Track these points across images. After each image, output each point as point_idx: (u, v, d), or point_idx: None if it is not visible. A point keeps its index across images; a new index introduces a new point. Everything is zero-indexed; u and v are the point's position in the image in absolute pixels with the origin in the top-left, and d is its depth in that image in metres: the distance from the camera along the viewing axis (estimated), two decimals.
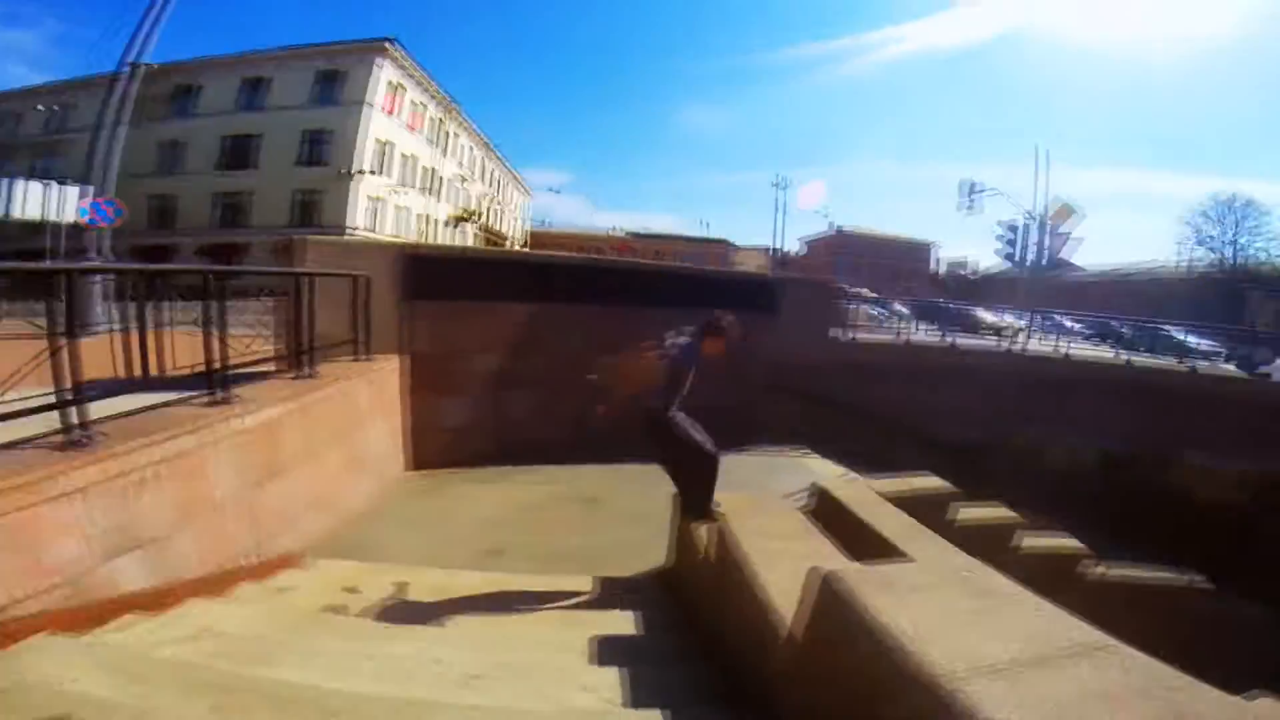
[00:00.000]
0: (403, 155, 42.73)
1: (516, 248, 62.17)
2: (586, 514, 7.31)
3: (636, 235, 73.83)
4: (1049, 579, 8.02)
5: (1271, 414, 11.86)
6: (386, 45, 39.47)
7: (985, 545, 7.46)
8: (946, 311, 20.22)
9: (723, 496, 4.85)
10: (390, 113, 40.54)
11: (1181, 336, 17.11)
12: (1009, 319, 20.70)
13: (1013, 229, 21.25)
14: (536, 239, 67.19)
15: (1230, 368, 14.40)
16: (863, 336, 11.60)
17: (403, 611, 4.08)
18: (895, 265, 65.73)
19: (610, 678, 2.83)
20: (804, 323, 10.34)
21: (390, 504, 7.34)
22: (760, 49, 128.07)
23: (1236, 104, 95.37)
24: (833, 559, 3.39)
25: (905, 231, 70.30)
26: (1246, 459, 11.70)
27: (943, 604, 2.11)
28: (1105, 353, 15.33)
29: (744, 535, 3.59)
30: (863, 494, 6.68)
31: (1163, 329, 17.87)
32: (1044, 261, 21.48)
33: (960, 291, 53.93)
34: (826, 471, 8.25)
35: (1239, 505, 11.85)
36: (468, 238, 51.65)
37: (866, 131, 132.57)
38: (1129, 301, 49.20)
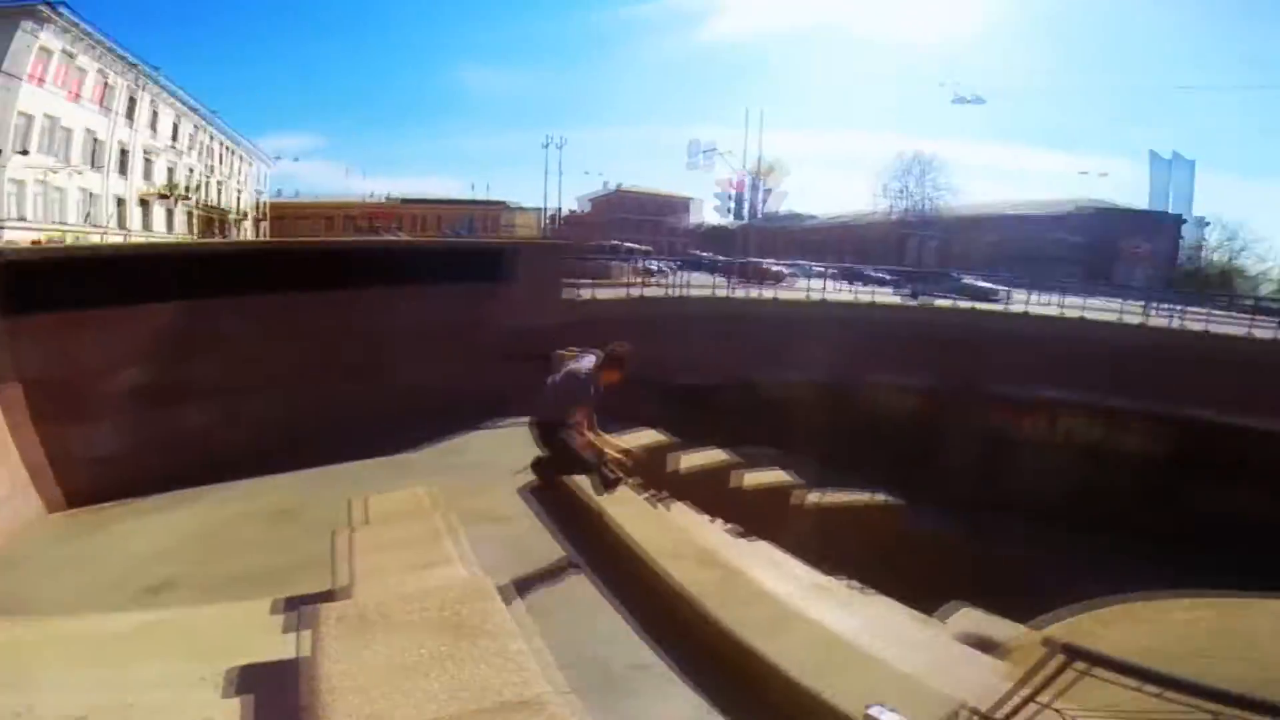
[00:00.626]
0: (73, 130, 35.22)
1: (244, 223, 54.01)
2: (274, 530, 6.29)
3: (403, 200, 68.23)
4: (769, 511, 8.81)
5: (937, 335, 14.66)
6: (41, 8, 31.99)
7: (707, 488, 7.99)
8: (703, 262, 21.91)
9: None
10: (45, 83, 32.79)
11: (872, 273, 20.68)
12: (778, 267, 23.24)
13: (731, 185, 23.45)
14: (277, 210, 58.94)
15: (897, 299, 17.68)
16: (600, 294, 11.73)
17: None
18: (668, 222, 69.76)
19: (238, 709, 2.59)
20: (538, 286, 10.08)
21: (25, 551, 6.03)
22: (544, 13, 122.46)
23: (920, 72, 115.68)
24: None
25: (680, 190, 74.42)
26: (921, 377, 14.39)
27: None
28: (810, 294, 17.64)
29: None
30: None
31: (859, 269, 21.51)
32: (756, 215, 24.17)
33: (718, 243, 58.96)
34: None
35: (918, 417, 14.70)
36: (174, 218, 43.28)
37: (640, 94, 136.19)
38: (849, 246, 58.58)
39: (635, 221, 65.64)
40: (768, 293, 16.04)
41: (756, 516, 7.83)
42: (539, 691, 1.94)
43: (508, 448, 7.80)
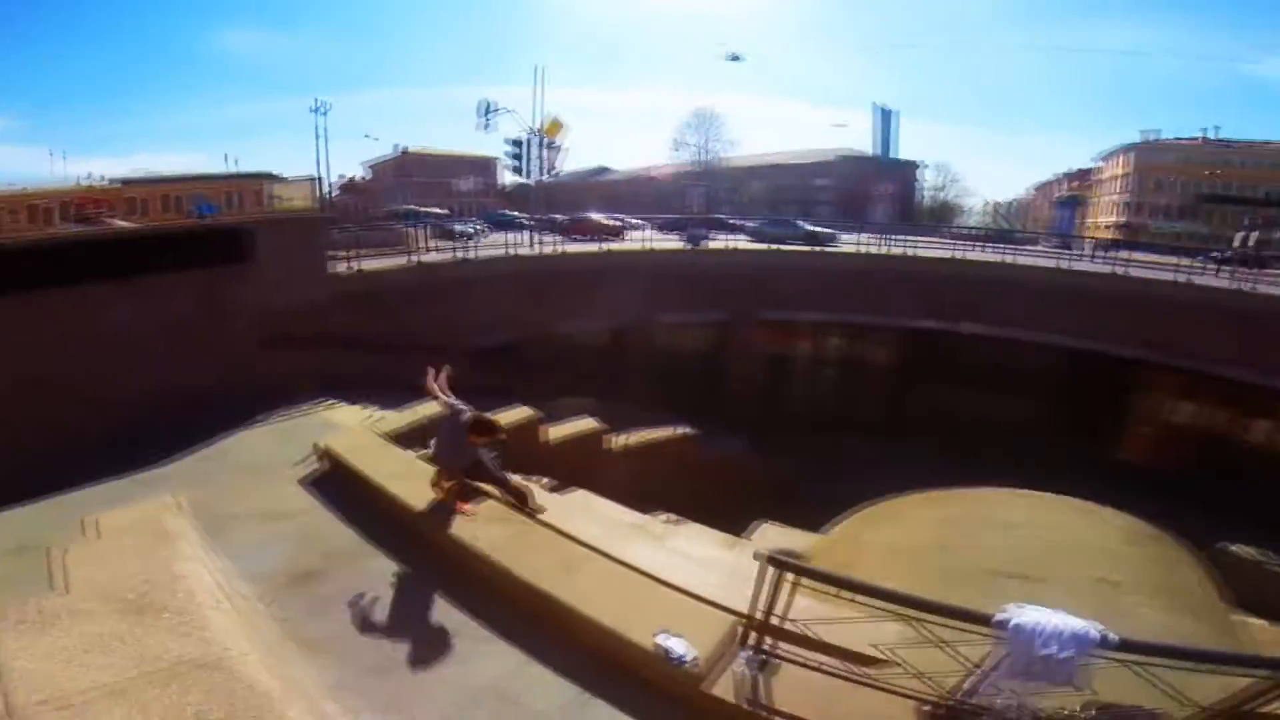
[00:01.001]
0: None
1: None
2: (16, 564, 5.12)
3: (125, 182, 55.85)
4: (583, 459, 9.10)
5: (708, 274, 16.06)
6: None
7: (518, 443, 8.05)
8: (513, 222, 21.50)
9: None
10: None
11: (605, 218, 22.36)
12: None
13: (517, 143, 23.09)
14: None
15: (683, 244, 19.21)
16: (370, 264, 10.90)
17: None
18: (468, 182, 66.11)
19: None
20: (292, 264, 9.03)
21: None
22: None
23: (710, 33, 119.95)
24: None
25: (482, 150, 70.64)
26: (707, 313, 15.71)
27: None
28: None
29: None
30: (365, 442, 6.28)
31: (588, 216, 23.19)
32: (544, 172, 24.13)
33: (524, 202, 57.80)
34: (349, 420, 7.51)
35: (708, 350, 16.12)
36: None
37: (429, 54, 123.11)
38: (651, 198, 61.25)
39: (429, 185, 61.39)
40: (572, 248, 16.24)
41: (572, 466, 8.11)
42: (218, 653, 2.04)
43: (284, 442, 7.07)
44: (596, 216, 24.90)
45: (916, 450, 13.42)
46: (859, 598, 3.01)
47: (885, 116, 58.17)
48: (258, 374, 7.78)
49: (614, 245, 17.12)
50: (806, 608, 3.38)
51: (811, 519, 8.00)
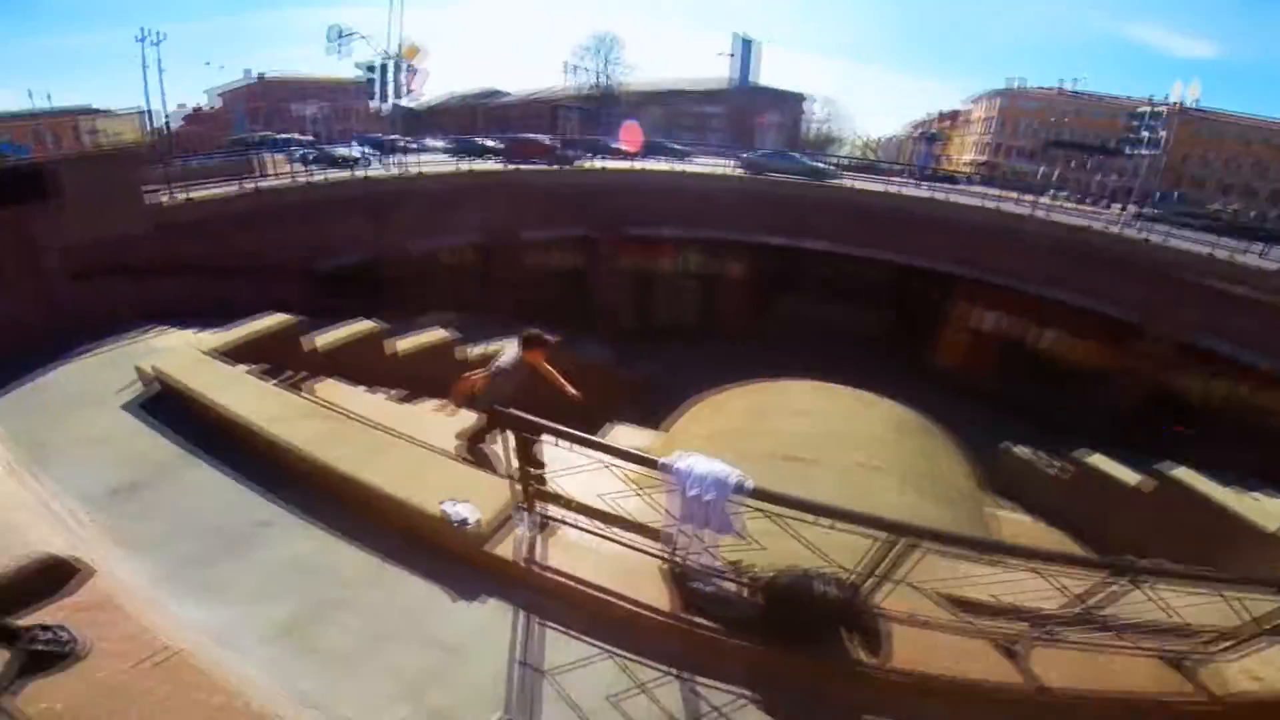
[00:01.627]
0: None
1: None
2: None
3: None
4: (434, 372, 9.32)
5: (575, 193, 16.36)
6: None
7: (357, 358, 8.23)
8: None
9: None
10: None
11: (547, 140, 22.11)
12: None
13: (372, 69, 21.77)
14: None
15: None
16: (204, 194, 10.29)
17: None
18: (341, 107, 60.57)
19: None
20: (102, 198, 8.42)
21: None
22: None
23: None
24: None
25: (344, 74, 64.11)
26: (572, 229, 16.08)
27: None
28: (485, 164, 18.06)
29: None
30: (191, 361, 6.33)
31: (529, 137, 22.87)
32: (401, 95, 23.03)
33: (409, 125, 54.28)
34: (177, 344, 7.42)
35: (573, 265, 16.60)
36: None
37: None
38: (540, 121, 59.19)
39: (286, 110, 56.10)
40: (430, 168, 15.77)
41: (424, 378, 8.16)
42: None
43: (108, 369, 6.93)
44: (537, 138, 24.33)
45: (771, 355, 14.79)
46: (612, 466, 3.39)
47: (746, 46, 58.52)
48: (74, 309, 7.46)
49: (476, 165, 16.88)
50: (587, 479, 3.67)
51: (665, 419, 8.61)
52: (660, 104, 62.37)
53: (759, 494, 2.99)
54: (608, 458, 3.33)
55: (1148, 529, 10.07)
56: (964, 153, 61.61)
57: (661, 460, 3.24)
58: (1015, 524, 9.09)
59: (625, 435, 8.08)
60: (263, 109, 54.85)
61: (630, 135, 34.56)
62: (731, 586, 3.38)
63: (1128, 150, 44.18)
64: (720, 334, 16.77)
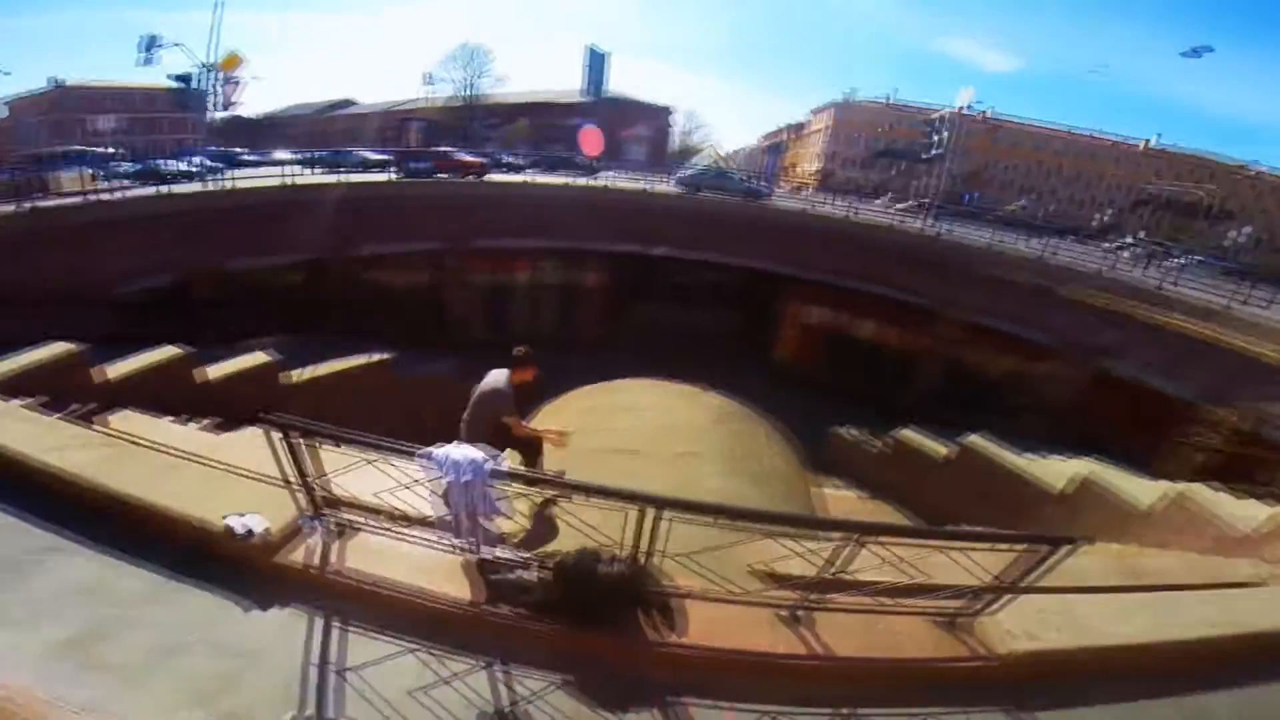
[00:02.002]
0: None
1: None
2: None
3: None
4: (257, 395, 8.90)
5: (423, 206, 16.20)
6: None
7: (161, 387, 7.67)
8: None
9: None
10: None
11: (367, 154, 21.54)
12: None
13: (185, 78, 20.26)
14: None
15: (393, 176, 18.97)
16: None
17: None
18: (150, 118, 54.61)
19: None
20: None
21: None
22: None
23: None
24: None
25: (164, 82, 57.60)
26: (422, 243, 15.81)
27: None
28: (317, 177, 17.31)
29: None
30: None
31: (350, 152, 22.11)
32: (219, 107, 21.68)
33: (247, 135, 50.19)
34: None
35: (420, 282, 16.37)
36: None
37: None
38: (394, 132, 57.19)
39: (96, 124, 50.24)
40: (244, 183, 14.78)
41: (245, 405, 7.84)
42: None
43: None
44: (458, 153, 23.70)
45: (627, 361, 15.41)
46: (387, 467, 3.46)
47: (598, 59, 60.28)
48: None
49: (301, 179, 16.01)
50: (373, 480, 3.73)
51: None
52: (528, 115, 62.57)
53: (512, 475, 3.27)
54: (376, 455, 3.48)
55: (956, 494, 11.63)
56: (807, 163, 67.15)
57: (419, 451, 3.43)
58: (840, 499, 10.02)
59: (460, 449, 8.05)
60: (66, 119, 48.38)
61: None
62: (529, 574, 3.52)
63: (930, 156, 50.35)
64: (579, 343, 17.11)
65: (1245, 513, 6.86)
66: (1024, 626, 3.29)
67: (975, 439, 11.46)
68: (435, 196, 16.89)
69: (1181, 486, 8.25)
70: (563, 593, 3.24)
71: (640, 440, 7.62)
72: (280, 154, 24.26)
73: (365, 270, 15.06)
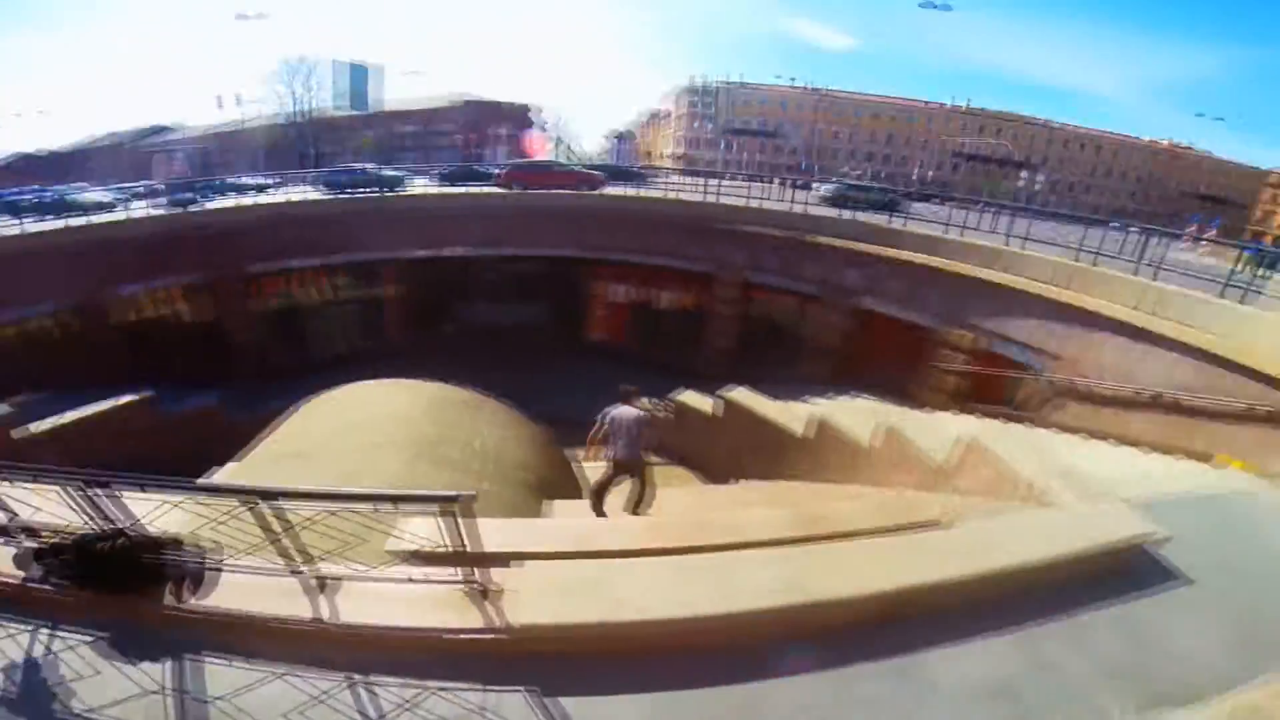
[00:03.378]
0: None
1: None
2: None
3: None
4: None
5: (188, 236, 15.09)
6: None
7: None
8: None
9: None
10: None
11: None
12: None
13: None
14: None
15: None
16: None
17: None
18: None
19: None
20: None
21: None
22: None
23: None
24: None
25: None
26: (185, 276, 14.75)
27: None
28: None
29: None
30: None
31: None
32: None
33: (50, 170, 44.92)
34: None
35: (193, 316, 15.34)
36: None
37: None
38: (233, 156, 53.04)
39: None
40: None
41: None
42: None
43: None
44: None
45: (433, 367, 15.10)
46: None
47: (359, 72, 58.28)
48: None
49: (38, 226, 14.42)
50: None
51: None
52: (380, 126, 59.93)
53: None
54: None
55: (732, 448, 12.10)
56: (666, 148, 68.64)
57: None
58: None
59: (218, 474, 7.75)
60: None
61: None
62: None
63: (774, 131, 52.75)
64: (386, 354, 16.58)
65: (937, 442, 6.73)
66: (545, 598, 3.08)
67: (736, 392, 12.07)
68: (203, 225, 15.71)
69: (894, 418, 8.57)
70: (85, 565, 3.33)
71: (319, 441, 7.64)
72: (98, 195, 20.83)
73: (127, 310, 14.09)
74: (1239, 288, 9.50)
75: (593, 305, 18.97)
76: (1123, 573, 3.76)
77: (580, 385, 13.76)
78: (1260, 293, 9.59)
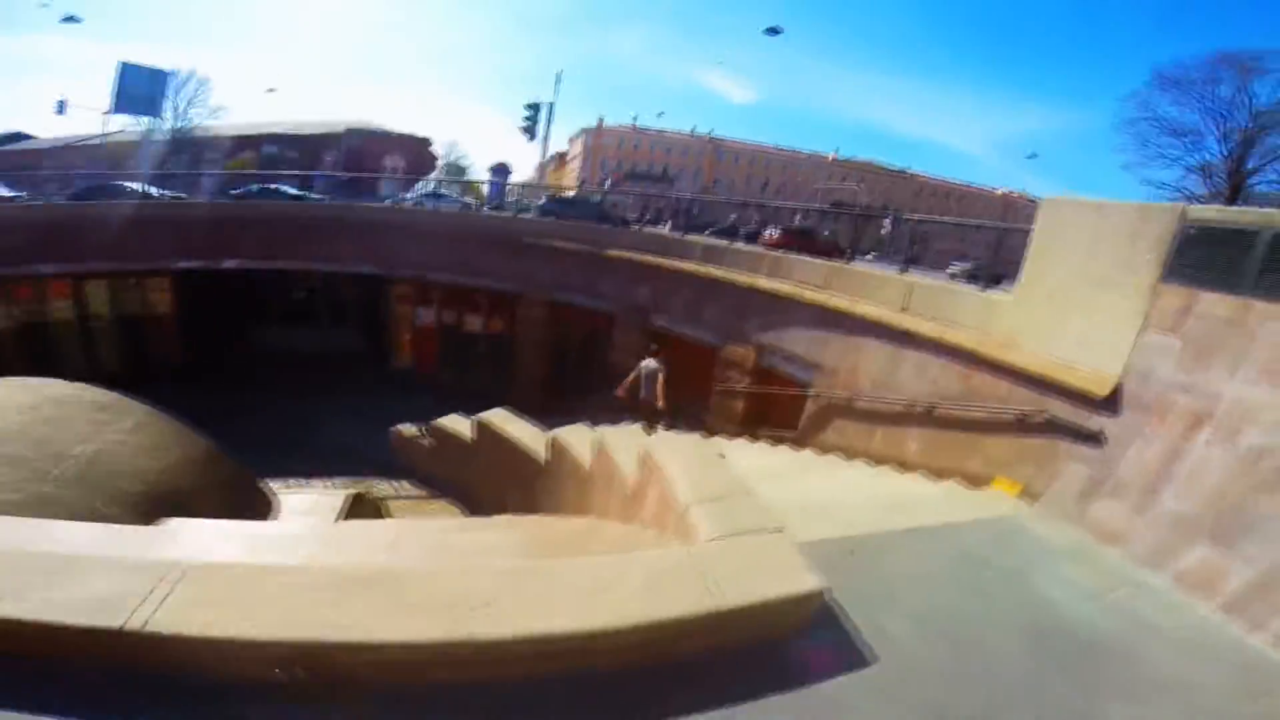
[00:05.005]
0: None
1: None
2: None
3: None
4: None
5: None
6: None
7: None
8: None
9: None
10: None
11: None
12: None
13: None
14: None
15: None
16: None
17: None
18: None
19: None
20: None
21: None
22: None
23: None
24: None
25: None
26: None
27: None
28: None
29: None
30: None
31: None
32: None
33: None
34: None
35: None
36: None
37: None
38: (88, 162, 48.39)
39: None
40: None
41: None
42: None
43: None
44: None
45: (218, 393, 13.48)
46: None
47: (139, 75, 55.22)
48: None
49: None
50: None
51: None
52: (257, 147, 56.71)
53: None
54: None
55: (493, 476, 11.01)
56: (568, 187, 69.32)
57: None
58: (399, 505, 9.87)
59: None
60: None
61: None
62: None
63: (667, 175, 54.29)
64: (159, 377, 14.55)
65: (633, 459, 5.83)
66: None
67: (489, 415, 11.08)
68: None
69: (604, 434, 7.66)
70: None
71: None
72: None
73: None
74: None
75: (400, 329, 17.70)
76: (770, 642, 2.82)
77: (380, 416, 12.64)
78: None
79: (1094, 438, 5.91)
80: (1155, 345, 5.76)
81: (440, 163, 70.33)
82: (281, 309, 17.29)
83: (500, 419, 10.85)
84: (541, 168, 79.99)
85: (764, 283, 11.97)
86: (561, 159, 74.71)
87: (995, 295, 8.50)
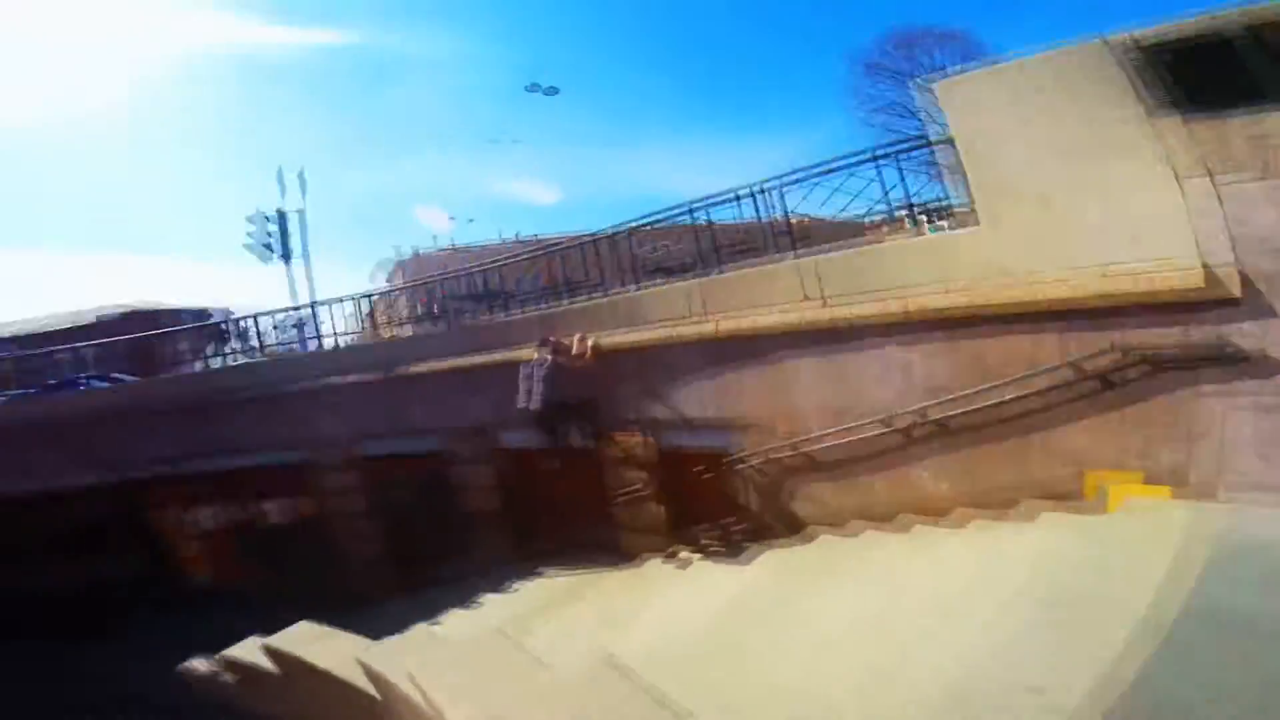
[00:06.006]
0: None
1: None
2: None
3: None
4: None
5: None
6: None
7: None
8: None
9: None
10: None
11: None
12: None
13: None
14: None
15: None
16: None
17: None
18: None
19: None
20: None
21: None
22: None
23: None
24: None
25: None
26: None
27: None
28: None
29: None
30: None
31: None
32: None
33: None
34: None
35: None
36: None
37: None
38: None
39: None
40: None
41: None
42: None
43: None
44: None
45: None
46: None
47: None
48: None
49: None
50: None
51: None
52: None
53: None
54: None
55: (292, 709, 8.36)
56: (397, 324, 65.64)
57: None
58: None
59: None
60: None
61: None
62: None
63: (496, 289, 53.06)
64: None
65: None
66: None
67: (295, 631, 8.06)
68: None
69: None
70: None
71: None
72: None
73: None
74: None
75: (179, 539, 13.65)
76: None
77: (172, 647, 9.60)
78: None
79: (1240, 357, 4.14)
80: (1233, 195, 4.31)
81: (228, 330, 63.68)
82: (19, 542, 12.89)
83: (307, 636, 7.84)
84: (371, 317, 75.91)
85: (621, 338, 9.18)
86: (390, 295, 71.06)
87: (942, 234, 6.96)
